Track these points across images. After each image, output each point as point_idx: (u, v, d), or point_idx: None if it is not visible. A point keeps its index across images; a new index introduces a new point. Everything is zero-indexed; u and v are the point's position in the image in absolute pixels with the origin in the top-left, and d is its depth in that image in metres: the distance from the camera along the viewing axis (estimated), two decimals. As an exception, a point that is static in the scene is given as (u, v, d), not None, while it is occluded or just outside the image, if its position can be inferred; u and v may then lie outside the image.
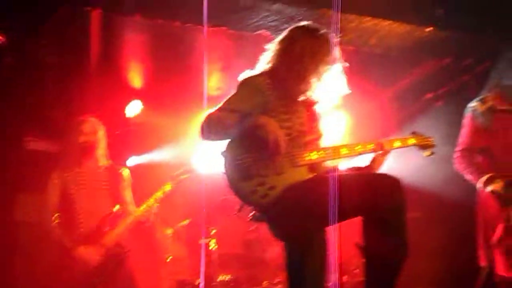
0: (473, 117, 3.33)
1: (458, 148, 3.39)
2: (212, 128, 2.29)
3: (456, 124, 3.53)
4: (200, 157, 4.22)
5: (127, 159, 5.22)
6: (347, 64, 2.50)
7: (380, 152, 2.49)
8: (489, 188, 3.14)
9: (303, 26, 2.52)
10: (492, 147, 3.25)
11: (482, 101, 3.31)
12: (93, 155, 3.73)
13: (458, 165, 3.36)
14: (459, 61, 4.59)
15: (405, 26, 4.06)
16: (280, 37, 2.52)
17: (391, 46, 4.33)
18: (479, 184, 3.21)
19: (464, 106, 3.48)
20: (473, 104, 3.35)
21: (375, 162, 2.49)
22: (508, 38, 3.61)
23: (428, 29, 4.09)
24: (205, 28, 3.11)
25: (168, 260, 4.68)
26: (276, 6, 3.75)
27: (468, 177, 3.30)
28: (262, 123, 2.21)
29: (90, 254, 3.46)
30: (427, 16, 4.08)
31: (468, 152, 3.32)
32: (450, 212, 4.64)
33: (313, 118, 2.51)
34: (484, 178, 3.17)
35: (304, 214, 2.21)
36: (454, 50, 4.40)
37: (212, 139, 2.35)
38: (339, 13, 3.59)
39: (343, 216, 2.17)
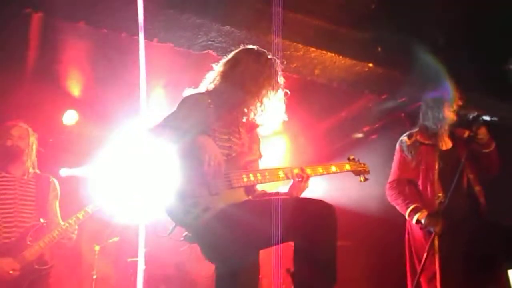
0: (401, 150, 3.55)
1: (389, 180, 3.55)
2: (150, 144, 2.24)
3: (388, 157, 3.69)
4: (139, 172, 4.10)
5: (59, 169, 5.00)
6: (288, 92, 2.54)
7: (310, 177, 2.53)
8: (415, 218, 3.29)
9: (249, 49, 2.56)
10: (417, 178, 3.44)
11: (409, 136, 3.54)
12: (20, 162, 3.52)
13: (389, 196, 3.53)
14: (395, 98, 4.81)
15: (347, 60, 4.21)
16: (226, 58, 2.55)
17: (333, 78, 4.47)
18: (406, 214, 3.37)
19: (397, 141, 3.66)
20: (402, 138, 3.58)
21: (296, 187, 2.51)
22: (429, 80, 3.89)
23: (368, 65, 4.27)
24: (141, 40, 3.08)
25: (94, 277, 4.47)
26: (226, 28, 3.77)
27: (397, 207, 3.47)
28: (200, 142, 2.19)
29: (5, 267, 3.21)
30: (368, 53, 4.27)
31: (397, 183, 3.50)
32: (380, 240, 4.79)
33: (253, 140, 2.53)
34: (410, 208, 3.33)
35: (238, 238, 2.18)
36: (391, 87, 4.61)
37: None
38: (279, 38, 3.71)
39: (277, 240, 2.17)
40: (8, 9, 3.47)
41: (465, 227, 3.21)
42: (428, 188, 3.36)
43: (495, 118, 3.18)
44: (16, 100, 4.25)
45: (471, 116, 3.23)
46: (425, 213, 3.26)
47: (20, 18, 3.63)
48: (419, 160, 3.42)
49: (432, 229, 3.19)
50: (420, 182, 3.41)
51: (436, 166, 3.36)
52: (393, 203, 3.49)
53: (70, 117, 5.16)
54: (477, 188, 3.35)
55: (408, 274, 3.41)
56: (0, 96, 4.14)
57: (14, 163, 3.50)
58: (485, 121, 3.19)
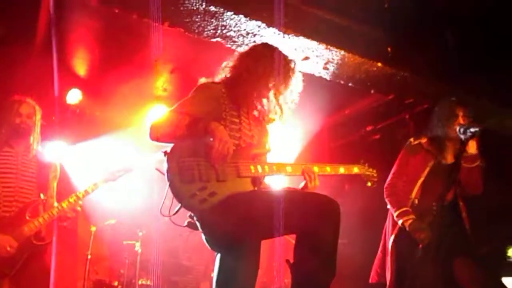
0: (405, 150, 3.53)
1: (388, 178, 3.53)
2: (162, 129, 2.25)
3: (389, 159, 3.68)
4: (141, 156, 4.10)
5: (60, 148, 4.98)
6: (301, 87, 2.54)
7: (319, 175, 2.53)
8: (400, 222, 3.30)
9: (269, 44, 2.60)
10: (406, 178, 3.44)
11: (416, 137, 3.53)
12: (26, 140, 3.50)
13: (385, 195, 3.50)
14: (401, 99, 4.81)
15: (356, 58, 4.19)
16: (244, 51, 2.57)
17: (341, 75, 4.45)
18: (395, 216, 3.36)
19: (398, 142, 3.65)
20: (410, 139, 3.56)
21: (309, 184, 2.51)
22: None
23: (377, 64, 4.25)
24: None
25: (88, 257, 4.49)
26: (239, 18, 3.75)
27: (390, 207, 3.45)
28: (212, 129, 2.20)
29: (3, 243, 3.21)
30: (378, 52, 4.25)
31: (395, 183, 3.47)
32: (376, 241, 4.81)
33: (263, 133, 2.54)
34: (399, 211, 3.32)
35: (242, 225, 2.19)
36: (398, 88, 4.60)
37: (161, 140, 2.31)
38: (291, 31, 3.70)
39: (280, 231, 2.18)
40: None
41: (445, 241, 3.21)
42: (407, 189, 3.36)
43: (478, 128, 3.09)
44: (23, 74, 4.23)
45: (461, 129, 3.18)
46: (411, 219, 3.25)
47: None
48: (415, 162, 3.42)
49: (417, 237, 3.17)
50: (404, 182, 3.41)
51: (425, 173, 3.35)
52: (387, 202, 3.47)
53: (74, 95, 5.14)
54: (460, 203, 3.33)
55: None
56: (8, 68, 4.12)
57: (20, 140, 3.48)
58: (473, 133, 3.11)
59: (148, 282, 4.56)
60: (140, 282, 4.54)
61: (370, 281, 3.50)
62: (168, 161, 2.21)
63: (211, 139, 2.18)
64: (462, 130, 3.13)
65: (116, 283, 4.57)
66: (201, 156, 2.22)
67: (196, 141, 2.22)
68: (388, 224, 3.49)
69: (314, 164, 2.54)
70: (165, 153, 2.23)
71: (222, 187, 2.22)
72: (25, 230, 3.29)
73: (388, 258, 3.35)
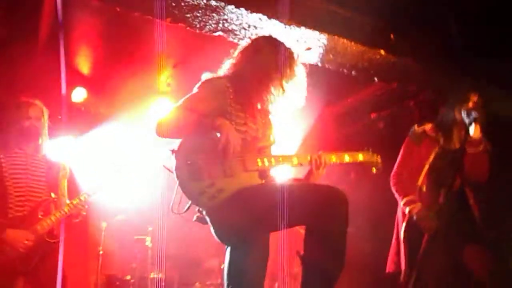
0: (410, 139, 3.54)
1: (394, 167, 3.56)
2: (169, 126, 2.27)
3: (394, 146, 3.69)
4: (148, 152, 4.14)
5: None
6: (305, 79, 2.55)
7: (324, 164, 2.55)
8: (407, 210, 3.33)
9: (269, 37, 2.61)
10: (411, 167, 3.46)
11: (420, 124, 3.54)
12: (35, 142, 3.57)
13: (391, 184, 3.54)
14: (404, 86, 4.80)
15: (359, 46, 4.19)
16: (246, 44, 2.58)
17: (344, 64, 4.45)
18: (401, 205, 3.41)
19: (403, 130, 3.66)
20: (414, 126, 3.56)
21: (313, 174, 2.54)
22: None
23: (380, 52, 4.25)
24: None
25: (100, 253, 4.55)
26: (240, 11, 3.75)
27: (396, 196, 3.49)
28: (219, 124, 2.22)
29: (18, 239, 3.27)
30: (380, 40, 4.25)
31: (401, 172, 3.50)
32: (383, 229, 4.84)
33: (267, 125, 2.56)
34: (405, 200, 3.36)
35: (250, 220, 2.22)
36: (401, 75, 4.59)
37: (168, 137, 2.34)
38: (292, 22, 3.70)
39: (289, 223, 2.21)
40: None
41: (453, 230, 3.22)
42: (413, 177, 3.37)
43: (479, 112, 3.08)
44: (27, 73, 4.26)
45: (465, 112, 3.15)
46: (418, 206, 3.27)
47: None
48: (420, 150, 3.43)
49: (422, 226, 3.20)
50: (410, 170, 3.43)
51: (430, 159, 3.35)
52: (393, 191, 3.51)
53: (79, 94, 5.18)
54: (467, 190, 3.32)
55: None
56: (11, 68, 4.15)
57: (29, 142, 3.54)
58: (474, 116, 3.10)
59: (160, 276, 4.62)
60: (152, 276, 4.61)
61: (387, 270, 3.51)
62: (176, 158, 2.24)
63: (218, 134, 2.20)
64: (465, 113, 3.15)
65: (128, 277, 4.64)
66: (208, 152, 2.24)
67: (203, 138, 2.25)
68: (399, 212, 3.51)
69: (320, 154, 2.54)
70: (173, 151, 2.26)
71: (230, 183, 2.25)
72: (38, 229, 3.35)
73: (402, 247, 3.37)
